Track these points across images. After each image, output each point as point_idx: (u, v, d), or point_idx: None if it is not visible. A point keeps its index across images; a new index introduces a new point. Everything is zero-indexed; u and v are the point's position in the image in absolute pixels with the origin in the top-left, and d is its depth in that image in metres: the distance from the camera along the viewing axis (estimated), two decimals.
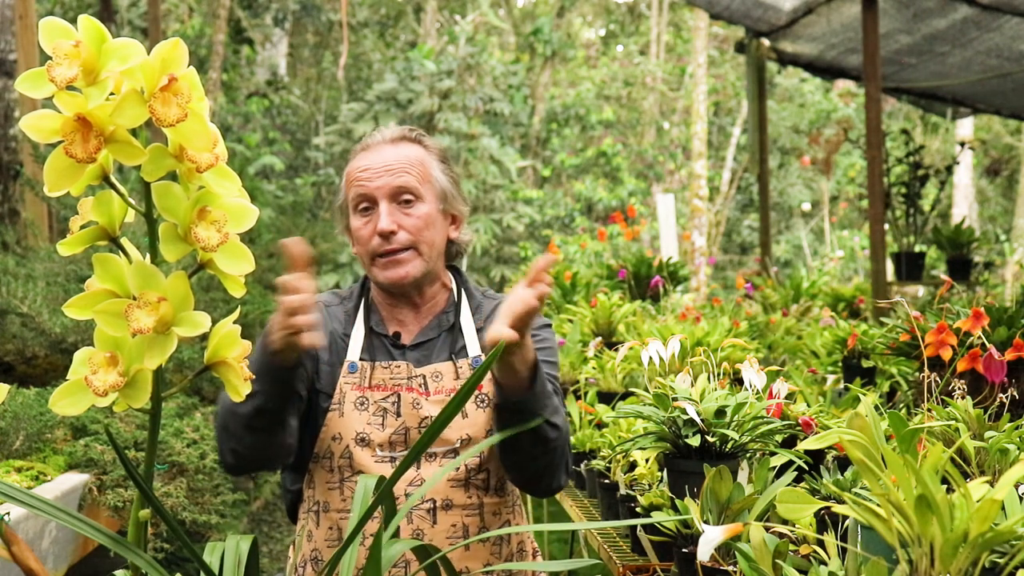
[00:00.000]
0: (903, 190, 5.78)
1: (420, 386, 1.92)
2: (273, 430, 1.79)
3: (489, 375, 1.78)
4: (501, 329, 1.59)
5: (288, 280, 1.64)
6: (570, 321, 4.07)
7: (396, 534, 1.20)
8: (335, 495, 1.90)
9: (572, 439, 2.92)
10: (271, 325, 1.69)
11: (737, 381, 2.15)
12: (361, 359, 1.94)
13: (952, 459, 1.25)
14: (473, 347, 1.96)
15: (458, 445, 1.89)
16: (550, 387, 1.79)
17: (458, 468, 1.88)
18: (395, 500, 1.74)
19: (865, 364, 3.35)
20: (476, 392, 1.91)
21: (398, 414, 1.89)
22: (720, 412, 1.85)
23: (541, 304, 1.59)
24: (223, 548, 1.20)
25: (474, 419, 1.92)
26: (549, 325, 2.04)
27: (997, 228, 15.93)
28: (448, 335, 1.98)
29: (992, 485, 1.23)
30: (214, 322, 1.16)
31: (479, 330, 1.98)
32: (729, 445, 1.83)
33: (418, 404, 1.89)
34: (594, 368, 3.33)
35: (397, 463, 1.86)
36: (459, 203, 2.02)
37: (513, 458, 1.84)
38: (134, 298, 1.10)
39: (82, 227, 1.16)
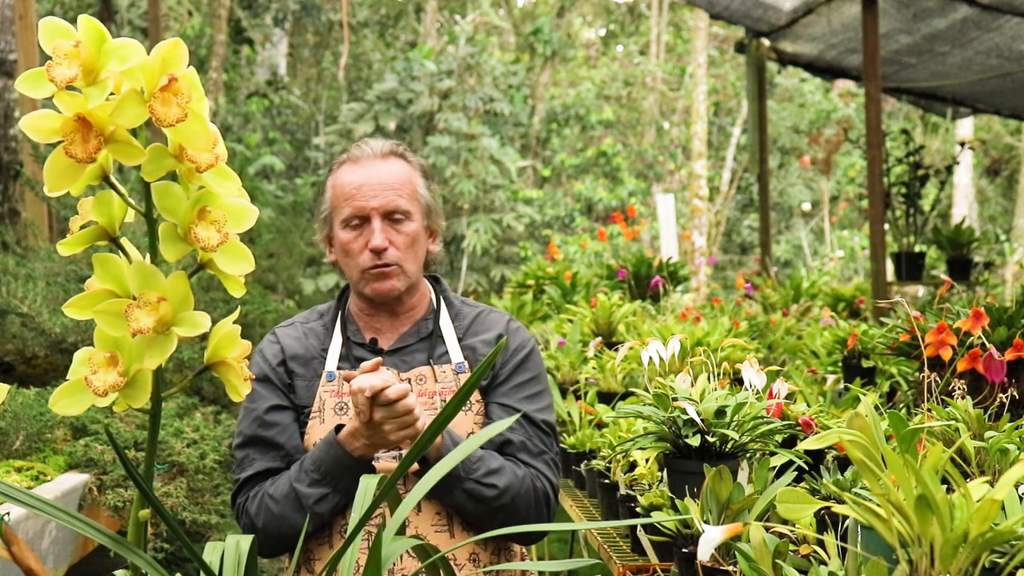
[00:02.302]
0: (903, 190, 5.78)
1: None
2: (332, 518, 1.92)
3: None
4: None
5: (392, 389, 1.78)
6: (570, 321, 4.07)
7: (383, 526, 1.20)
8: (325, 550, 1.96)
9: (572, 439, 2.92)
10: (351, 429, 1.82)
11: (737, 381, 2.15)
12: (339, 368, 2.00)
13: (952, 459, 1.25)
14: (455, 354, 2.01)
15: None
16: (480, 453, 1.88)
17: None
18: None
19: (865, 364, 3.35)
20: None
21: None
22: (720, 412, 1.85)
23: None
24: (223, 548, 1.20)
25: (456, 422, 1.96)
26: (534, 349, 2.07)
27: (997, 228, 15.93)
28: (427, 342, 2.02)
29: (992, 485, 1.23)
30: (214, 322, 1.16)
31: (460, 339, 2.03)
32: (729, 445, 1.83)
33: None
34: (594, 368, 3.33)
35: (379, 463, 1.92)
36: (439, 218, 2.10)
37: (466, 517, 1.92)
38: (134, 298, 1.10)
39: (82, 227, 1.16)
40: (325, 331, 2.06)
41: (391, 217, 1.98)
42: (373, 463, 1.91)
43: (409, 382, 1.97)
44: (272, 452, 1.96)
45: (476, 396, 1.99)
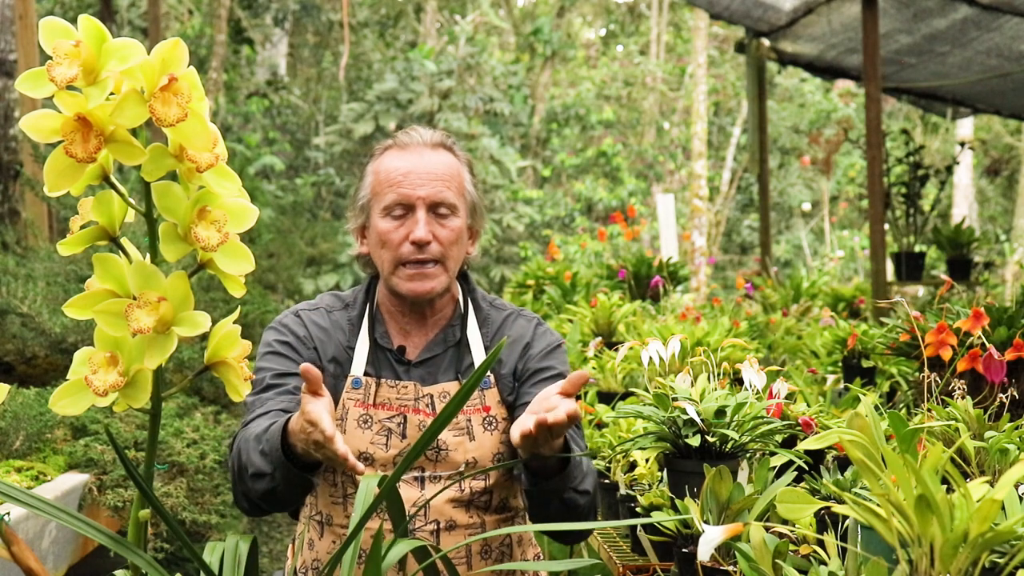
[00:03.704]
0: (903, 190, 5.78)
1: (427, 407, 1.87)
2: (285, 505, 1.77)
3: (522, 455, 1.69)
4: (524, 424, 1.51)
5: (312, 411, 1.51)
6: (570, 321, 4.07)
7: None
8: (338, 510, 1.87)
9: None
10: (297, 429, 1.57)
11: (737, 381, 2.15)
12: (366, 374, 1.88)
13: (952, 459, 1.25)
14: None
15: (463, 468, 1.86)
16: (582, 460, 1.75)
17: (462, 490, 1.85)
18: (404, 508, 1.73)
19: (865, 364, 3.35)
20: (484, 415, 1.88)
21: (403, 435, 1.85)
22: (720, 412, 1.85)
23: (570, 423, 1.49)
24: (223, 548, 1.20)
25: (480, 442, 1.87)
26: (561, 345, 1.99)
27: (997, 228, 15.93)
28: (455, 351, 1.93)
29: (992, 485, 1.23)
30: (214, 322, 1.16)
31: (487, 347, 1.93)
32: (729, 445, 1.83)
33: (425, 426, 1.85)
34: (594, 368, 3.33)
35: (401, 483, 1.82)
36: (482, 219, 1.99)
37: (543, 522, 1.78)
38: (134, 298, 1.10)
39: (82, 227, 1.16)
40: (351, 327, 1.93)
41: (437, 210, 1.86)
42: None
43: (431, 399, 1.87)
44: (287, 397, 1.81)
45: (502, 414, 1.89)
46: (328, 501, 1.88)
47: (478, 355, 1.93)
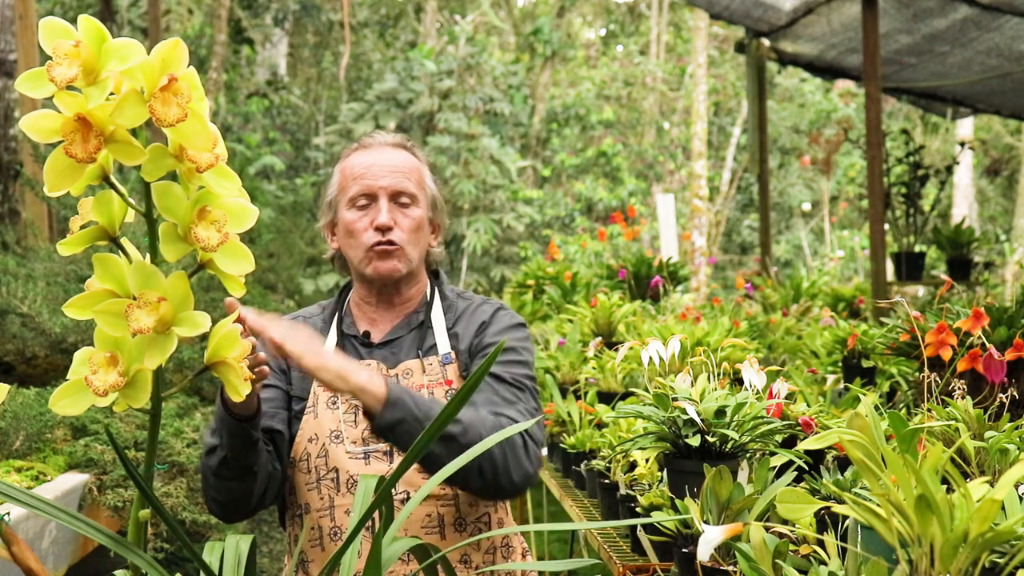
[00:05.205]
0: (903, 190, 5.78)
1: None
2: (241, 479, 1.85)
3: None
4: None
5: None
6: (570, 321, 4.07)
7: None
8: (314, 495, 1.94)
9: (572, 439, 2.92)
10: None
11: (737, 381, 2.15)
12: None
13: (952, 459, 1.25)
14: (443, 345, 2.01)
15: None
16: (421, 403, 1.75)
17: None
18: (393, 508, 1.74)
19: (865, 364, 3.35)
20: (446, 388, 1.97)
21: None
22: (720, 412, 1.85)
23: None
24: (223, 548, 1.20)
25: None
26: (517, 325, 2.04)
27: (997, 228, 15.93)
28: (417, 332, 2.03)
29: (992, 485, 1.23)
30: (214, 322, 1.16)
31: (448, 329, 2.03)
32: (729, 445, 1.83)
33: None
34: (594, 368, 3.33)
35: (370, 458, 1.92)
36: (443, 215, 2.12)
37: (433, 468, 1.66)
38: (134, 298, 1.10)
39: (82, 227, 1.16)
40: (324, 325, 2.08)
41: (398, 199, 2.00)
42: (352, 456, 1.91)
43: (396, 378, 1.96)
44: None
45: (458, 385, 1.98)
46: (304, 490, 1.96)
47: (440, 337, 2.02)
